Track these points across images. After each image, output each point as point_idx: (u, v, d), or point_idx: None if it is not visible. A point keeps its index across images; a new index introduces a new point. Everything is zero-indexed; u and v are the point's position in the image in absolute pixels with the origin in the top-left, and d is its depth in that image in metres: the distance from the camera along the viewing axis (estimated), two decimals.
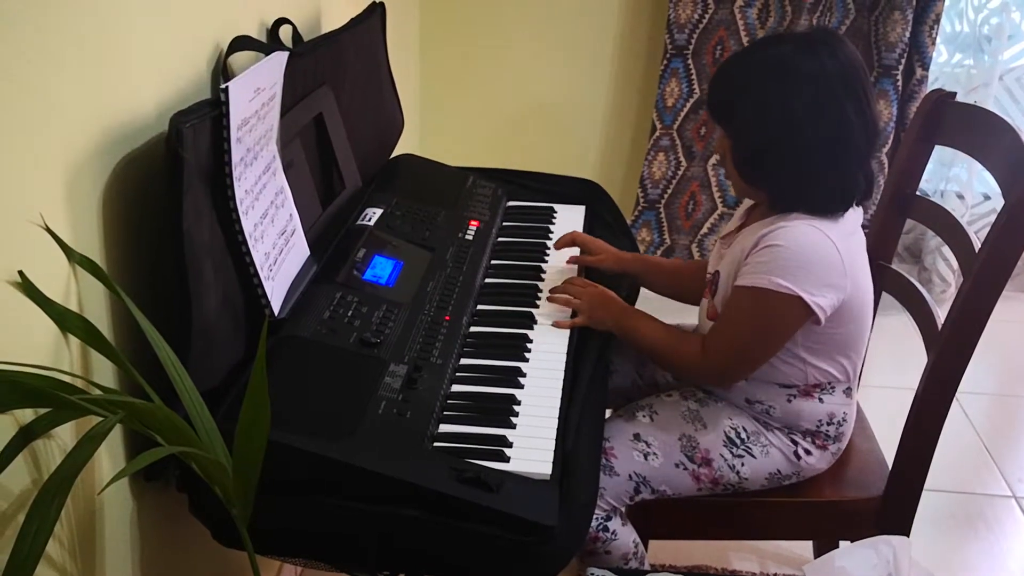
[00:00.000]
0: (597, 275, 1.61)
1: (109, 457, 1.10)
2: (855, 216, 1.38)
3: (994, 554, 2.03)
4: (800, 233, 1.30)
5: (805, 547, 1.93)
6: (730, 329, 1.37)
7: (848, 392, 1.46)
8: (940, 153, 2.90)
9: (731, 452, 1.42)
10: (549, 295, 1.48)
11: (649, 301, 1.65)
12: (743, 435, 1.43)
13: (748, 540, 1.97)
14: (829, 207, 1.33)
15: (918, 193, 1.67)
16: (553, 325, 1.42)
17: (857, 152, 1.33)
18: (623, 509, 1.42)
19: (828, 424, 1.44)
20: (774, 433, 1.44)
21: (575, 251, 1.64)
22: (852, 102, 1.30)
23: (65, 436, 1.00)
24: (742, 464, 1.42)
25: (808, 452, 1.44)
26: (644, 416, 1.46)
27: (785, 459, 1.44)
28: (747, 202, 1.50)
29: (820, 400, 1.43)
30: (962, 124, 1.57)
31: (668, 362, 1.47)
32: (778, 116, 1.31)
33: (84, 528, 1.06)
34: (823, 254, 1.30)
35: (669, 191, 2.93)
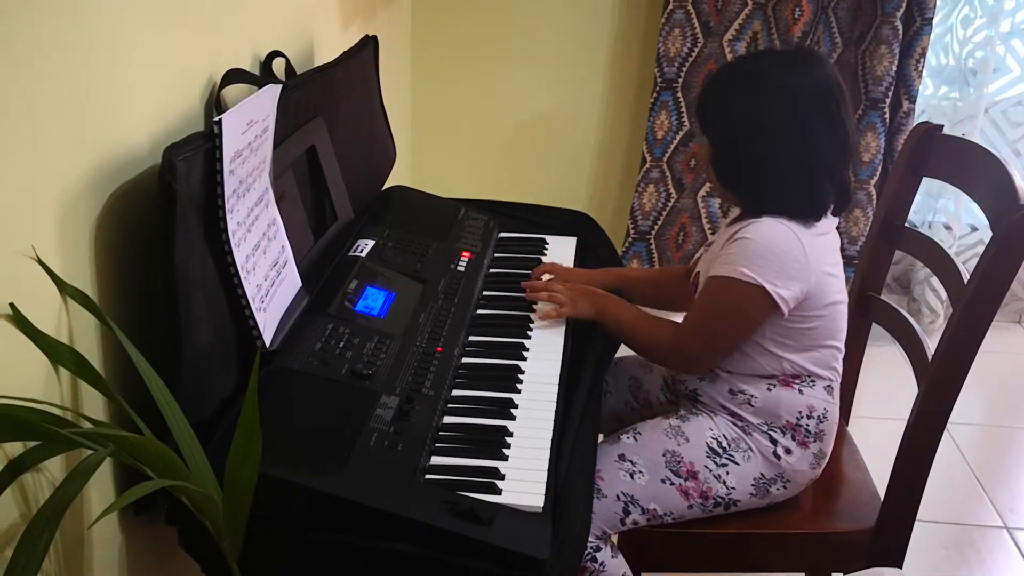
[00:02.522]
0: None
1: (98, 490, 1.10)
2: (827, 221, 1.43)
3: None
4: (767, 227, 1.37)
5: None
6: (699, 316, 1.44)
7: (829, 390, 1.48)
8: (928, 185, 2.92)
9: (715, 462, 1.44)
10: (528, 291, 1.56)
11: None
12: (724, 443, 1.45)
13: (741, 572, 1.96)
14: (798, 215, 1.39)
15: (907, 225, 1.68)
16: (539, 317, 1.52)
17: (825, 166, 1.39)
18: (614, 538, 1.42)
19: (808, 417, 1.45)
20: (753, 437, 1.45)
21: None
22: (823, 118, 1.37)
23: (55, 469, 1.00)
24: (727, 473, 1.44)
25: (788, 451, 1.45)
26: (628, 437, 1.47)
27: (767, 462, 1.45)
28: (734, 211, 1.55)
29: (800, 391, 1.45)
30: (949, 156, 1.59)
31: (641, 344, 1.52)
32: (748, 127, 1.39)
33: (73, 562, 1.05)
34: (787, 247, 1.37)
35: (659, 223, 2.95)
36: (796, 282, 1.37)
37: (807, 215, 1.39)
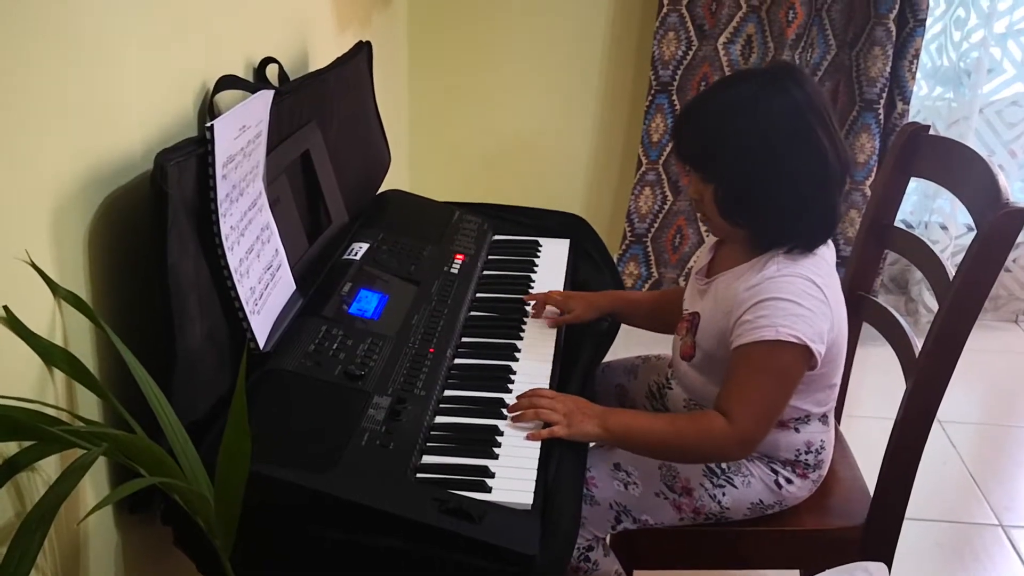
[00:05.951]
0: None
1: (94, 491, 1.11)
2: (830, 253, 1.39)
3: None
4: (789, 284, 1.30)
5: None
6: (750, 388, 1.32)
7: (824, 420, 1.47)
8: (924, 186, 2.94)
9: (712, 483, 1.43)
10: (514, 416, 1.29)
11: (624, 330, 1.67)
12: (723, 466, 1.43)
13: (734, 570, 1.97)
14: (813, 239, 1.35)
15: (898, 224, 1.69)
16: (528, 438, 1.26)
17: (836, 180, 1.34)
18: (606, 539, 1.43)
19: (807, 452, 1.45)
20: (755, 464, 1.44)
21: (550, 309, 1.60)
22: (823, 130, 1.31)
23: (49, 469, 1.02)
24: (723, 494, 1.43)
25: (789, 481, 1.45)
26: None
27: (767, 489, 1.44)
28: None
29: (796, 430, 1.43)
30: (936, 156, 1.60)
31: (690, 449, 1.34)
32: (761, 155, 1.30)
33: (68, 561, 1.07)
34: (815, 301, 1.31)
35: (656, 225, 2.96)
36: (824, 333, 1.31)
37: (819, 238, 1.35)
